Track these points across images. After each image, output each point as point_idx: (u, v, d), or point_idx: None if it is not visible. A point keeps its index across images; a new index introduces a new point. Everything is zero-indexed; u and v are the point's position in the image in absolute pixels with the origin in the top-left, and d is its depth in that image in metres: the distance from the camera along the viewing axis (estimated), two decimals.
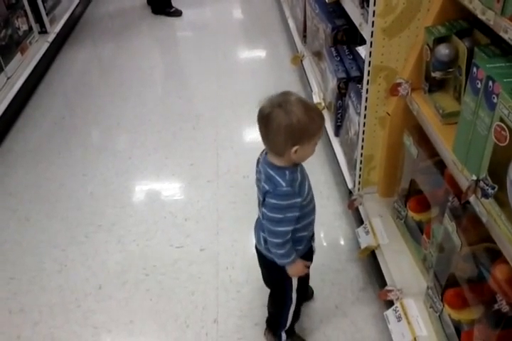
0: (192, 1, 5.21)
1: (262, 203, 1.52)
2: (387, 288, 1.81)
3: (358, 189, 2.22)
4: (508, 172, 1.11)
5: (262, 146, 1.54)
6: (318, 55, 3.10)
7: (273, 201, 1.46)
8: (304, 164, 1.56)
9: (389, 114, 1.92)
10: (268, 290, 1.85)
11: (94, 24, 4.90)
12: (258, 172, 1.55)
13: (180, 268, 2.26)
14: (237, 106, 3.40)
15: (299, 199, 1.47)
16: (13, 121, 3.35)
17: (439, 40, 1.56)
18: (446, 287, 1.54)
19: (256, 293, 2.09)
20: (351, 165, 2.32)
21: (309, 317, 2.00)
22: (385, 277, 1.88)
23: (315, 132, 1.43)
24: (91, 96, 3.69)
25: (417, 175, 1.84)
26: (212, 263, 2.27)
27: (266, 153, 1.51)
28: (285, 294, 1.73)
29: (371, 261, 2.06)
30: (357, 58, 2.57)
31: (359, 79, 2.31)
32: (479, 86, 1.21)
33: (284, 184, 1.44)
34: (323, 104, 2.83)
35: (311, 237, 1.71)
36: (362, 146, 2.09)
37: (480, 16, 1.26)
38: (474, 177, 1.26)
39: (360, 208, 2.18)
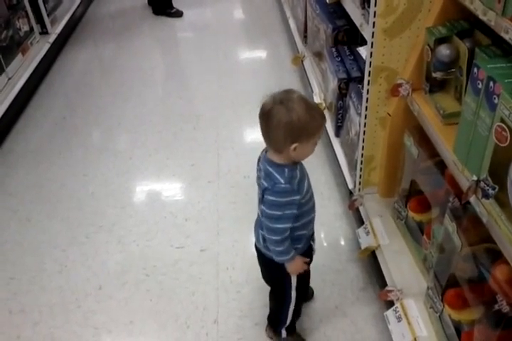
0: (193, 1, 5.21)
1: (261, 200, 1.53)
2: (388, 288, 1.81)
3: (359, 189, 2.22)
4: (509, 173, 1.11)
5: (262, 146, 1.54)
6: (318, 55, 3.10)
7: (272, 198, 1.46)
8: (305, 164, 1.56)
9: (390, 115, 1.92)
10: (269, 289, 1.85)
11: (95, 25, 4.91)
12: (258, 170, 1.56)
13: (180, 269, 2.26)
14: (238, 106, 3.40)
15: (297, 197, 1.48)
16: (14, 122, 3.35)
17: (440, 41, 1.56)
18: (446, 287, 1.54)
19: (256, 293, 2.09)
20: (352, 165, 2.32)
21: (309, 317, 2.00)
22: (385, 277, 1.88)
23: (315, 131, 1.44)
24: (92, 97, 3.70)
25: (417, 175, 1.84)
26: (212, 264, 2.27)
27: (266, 151, 1.52)
28: (284, 292, 1.74)
29: (371, 262, 2.06)
30: (358, 59, 2.57)
31: (360, 80, 2.31)
32: (480, 86, 1.21)
33: (282, 181, 1.45)
34: (324, 105, 2.83)
35: (311, 236, 1.71)
36: (362, 147, 2.09)
37: (481, 17, 1.26)
38: (475, 178, 1.26)
39: (361, 208, 2.18)
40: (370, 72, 1.86)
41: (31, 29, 3.81)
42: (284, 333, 1.88)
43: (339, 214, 2.49)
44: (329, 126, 2.70)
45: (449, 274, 1.51)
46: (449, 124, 1.56)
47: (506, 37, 1.16)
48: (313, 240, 1.74)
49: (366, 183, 2.20)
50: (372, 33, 1.75)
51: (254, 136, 3.04)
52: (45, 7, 4.00)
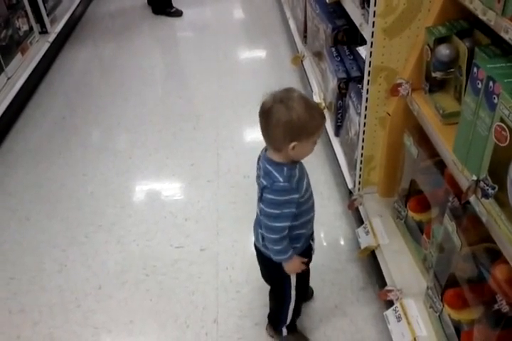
0: (192, 1, 5.21)
1: (260, 199, 1.53)
2: (387, 288, 1.81)
3: (358, 189, 2.22)
4: (509, 173, 1.11)
5: (262, 146, 1.55)
6: (318, 55, 3.10)
7: (270, 196, 1.47)
8: (305, 163, 1.57)
9: (389, 114, 1.92)
10: (269, 288, 1.85)
11: (95, 24, 4.91)
12: (258, 168, 1.57)
13: (180, 269, 2.26)
14: (238, 106, 3.40)
15: (296, 196, 1.48)
16: (14, 121, 3.35)
17: (440, 41, 1.56)
18: (446, 287, 1.54)
19: (256, 293, 2.09)
20: (351, 165, 2.32)
21: (309, 317, 2.00)
22: (385, 277, 1.88)
23: (314, 130, 1.44)
24: (91, 96, 3.69)
25: (417, 175, 1.84)
26: (212, 264, 2.27)
27: (266, 150, 1.52)
28: (284, 291, 1.74)
29: (371, 261, 2.06)
30: (357, 58, 2.57)
31: (359, 80, 2.31)
32: (480, 86, 1.21)
33: (281, 179, 1.45)
34: (323, 104, 2.83)
35: (311, 236, 1.72)
36: (362, 146, 2.09)
37: (481, 16, 1.26)
38: (474, 178, 1.26)
39: (360, 208, 2.18)
40: (369, 71, 1.86)
41: (31, 28, 3.81)
42: (284, 331, 1.88)
43: (339, 214, 2.49)
44: (329, 126, 2.70)
45: (448, 274, 1.51)
46: (448, 124, 1.56)
47: (506, 37, 1.16)
48: (312, 239, 1.74)
49: (366, 183, 2.20)
50: (372, 32, 1.75)
51: (254, 136, 3.04)
52: (45, 6, 4.00)
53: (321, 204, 2.45)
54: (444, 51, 1.55)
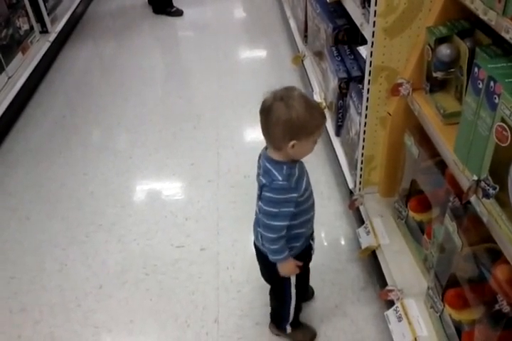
0: (193, 0, 5.21)
1: (259, 197, 1.53)
2: (388, 288, 1.81)
3: (359, 189, 2.22)
4: (510, 173, 1.11)
5: (262, 146, 1.55)
6: (319, 54, 3.10)
7: (269, 194, 1.47)
8: (305, 163, 1.57)
9: (390, 114, 1.92)
10: (269, 288, 1.85)
11: (95, 23, 4.91)
12: (258, 167, 1.57)
13: (180, 268, 2.26)
14: (238, 106, 3.40)
15: (295, 195, 1.48)
16: (14, 121, 3.35)
17: (441, 40, 1.56)
18: (446, 287, 1.53)
19: (256, 292, 2.08)
20: (352, 165, 2.32)
21: (310, 316, 2.00)
22: (385, 277, 1.88)
23: (313, 129, 1.44)
24: (92, 96, 3.69)
25: (417, 175, 1.84)
26: (212, 263, 2.27)
27: (266, 148, 1.53)
28: (284, 290, 1.75)
29: (372, 261, 2.06)
30: (358, 58, 2.56)
31: (360, 79, 2.31)
32: (481, 86, 1.21)
33: (280, 178, 1.46)
34: (324, 104, 2.83)
35: (311, 235, 1.72)
36: (363, 146, 2.09)
37: (482, 16, 1.26)
38: (475, 178, 1.26)
39: (361, 208, 2.18)
40: (370, 71, 1.85)
41: (31, 28, 3.81)
42: (289, 329, 1.89)
43: (339, 214, 2.49)
44: (329, 126, 2.70)
45: (449, 274, 1.51)
46: (449, 124, 1.56)
47: (507, 36, 1.16)
48: (312, 239, 1.74)
49: (366, 183, 2.20)
50: (373, 32, 1.75)
51: (254, 136, 3.04)
52: (45, 6, 4.00)
53: (322, 204, 2.45)
54: (444, 51, 1.54)
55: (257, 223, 1.62)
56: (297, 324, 1.89)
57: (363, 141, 2.07)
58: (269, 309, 1.94)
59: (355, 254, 2.19)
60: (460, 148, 1.38)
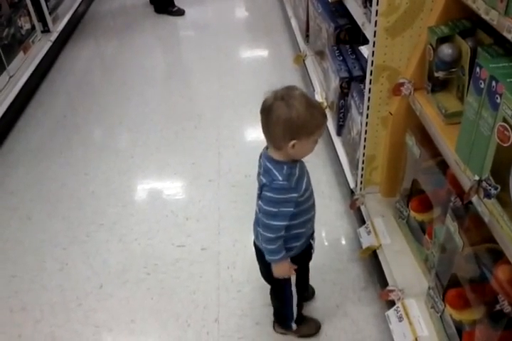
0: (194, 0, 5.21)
1: (259, 196, 1.53)
2: (389, 288, 1.80)
3: (360, 189, 2.22)
4: (511, 173, 1.11)
5: (263, 145, 1.54)
6: (320, 54, 3.10)
7: (269, 194, 1.47)
8: (306, 163, 1.56)
9: (391, 114, 1.92)
10: (269, 287, 1.85)
11: (96, 23, 4.91)
12: (259, 166, 1.57)
13: (181, 268, 2.26)
14: (239, 105, 3.39)
15: (295, 195, 1.48)
16: (15, 120, 3.36)
17: (442, 40, 1.55)
18: (447, 287, 1.53)
19: (257, 292, 2.08)
20: (353, 164, 2.32)
21: (310, 316, 1.99)
22: (386, 277, 1.87)
23: (314, 129, 1.44)
24: (93, 95, 3.70)
25: (419, 175, 1.84)
26: (213, 263, 2.27)
27: (267, 148, 1.52)
28: (284, 290, 1.75)
29: (373, 261, 2.05)
30: (359, 58, 2.56)
31: (361, 79, 2.30)
32: (482, 86, 1.21)
33: (280, 178, 1.45)
34: (325, 104, 2.83)
35: (311, 235, 1.71)
36: (364, 146, 2.08)
37: (483, 16, 1.25)
38: (477, 178, 1.25)
39: (362, 208, 2.18)
40: (371, 71, 1.85)
41: (33, 27, 3.81)
42: (294, 326, 1.89)
43: (340, 214, 2.49)
44: (331, 125, 2.70)
45: (450, 274, 1.51)
46: (451, 124, 1.56)
47: (509, 36, 1.16)
48: (313, 239, 1.74)
49: (368, 182, 2.20)
50: (374, 32, 1.75)
51: (255, 135, 3.04)
52: (47, 5, 4.01)
53: (323, 203, 2.45)
54: (446, 51, 1.54)
55: (257, 222, 1.62)
56: (301, 319, 1.89)
57: (364, 140, 2.07)
58: (269, 309, 1.94)
59: (356, 254, 2.19)
60: (461, 148, 1.37)
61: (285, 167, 1.47)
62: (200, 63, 4.09)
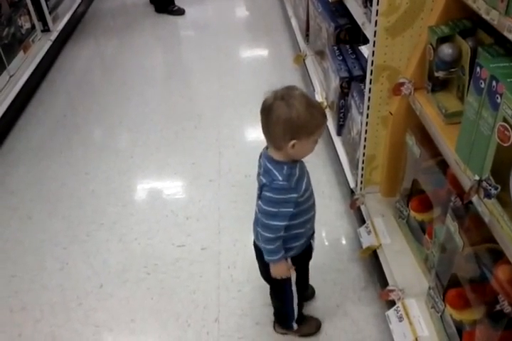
0: None
1: (259, 196, 1.53)
2: (389, 288, 1.80)
3: (360, 188, 2.22)
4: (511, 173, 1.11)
5: (263, 145, 1.54)
6: (320, 54, 3.10)
7: (269, 194, 1.47)
8: (306, 163, 1.56)
9: (391, 114, 1.92)
10: (269, 288, 1.85)
11: (97, 22, 4.91)
12: (259, 166, 1.57)
13: (181, 267, 2.26)
14: (239, 105, 3.39)
15: (294, 195, 1.48)
16: (16, 120, 3.36)
17: (443, 40, 1.55)
18: (447, 287, 1.53)
19: (257, 292, 2.08)
20: (353, 164, 2.32)
21: (311, 315, 1.99)
22: (386, 277, 1.87)
23: (314, 129, 1.43)
24: (93, 95, 3.70)
25: (419, 174, 1.84)
26: (213, 263, 2.27)
27: (267, 148, 1.52)
28: (284, 290, 1.74)
29: (373, 261, 2.05)
30: (360, 57, 2.56)
31: (362, 79, 2.30)
32: (483, 86, 1.21)
33: (280, 178, 1.45)
34: (325, 104, 2.83)
35: (312, 235, 1.71)
36: (364, 146, 2.08)
37: (484, 16, 1.25)
38: (477, 178, 1.25)
39: (362, 208, 2.18)
40: (372, 70, 1.85)
41: (33, 26, 3.81)
42: (295, 326, 1.89)
43: (340, 213, 2.49)
44: (331, 125, 2.70)
45: (450, 274, 1.50)
46: (451, 124, 1.56)
47: (509, 36, 1.15)
48: (313, 239, 1.74)
49: (368, 182, 2.20)
50: (375, 31, 1.75)
51: (255, 135, 3.04)
52: (47, 4, 4.01)
53: (323, 203, 2.45)
54: (446, 50, 1.54)
55: (256, 222, 1.62)
56: (302, 319, 1.89)
57: (365, 140, 2.06)
58: (270, 309, 1.94)
59: (356, 254, 2.19)
60: (462, 147, 1.37)
61: (285, 167, 1.47)
62: (200, 63, 4.09)
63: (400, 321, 1.69)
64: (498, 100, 1.14)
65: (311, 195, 1.60)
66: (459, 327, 1.50)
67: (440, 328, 1.59)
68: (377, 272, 2.01)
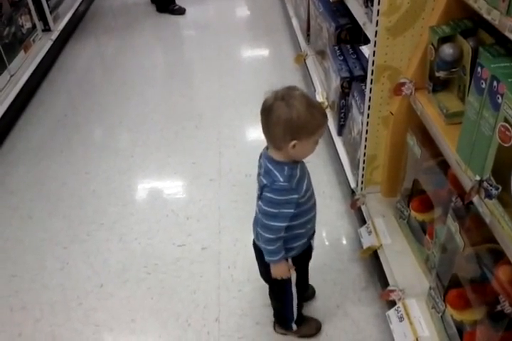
0: None
1: (260, 197, 1.53)
2: (390, 288, 1.80)
3: (361, 188, 2.22)
4: None
5: (264, 145, 1.54)
6: (321, 54, 3.09)
7: (269, 195, 1.47)
8: (307, 163, 1.56)
9: (392, 114, 1.92)
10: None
11: (97, 22, 4.90)
12: (259, 166, 1.56)
13: (181, 267, 2.26)
14: (240, 105, 3.39)
15: (295, 196, 1.47)
16: (16, 119, 3.36)
17: (444, 40, 1.55)
18: (448, 287, 1.53)
19: (257, 292, 2.08)
20: (354, 164, 2.31)
21: (311, 316, 1.99)
22: (387, 277, 1.87)
23: (314, 130, 1.43)
24: (94, 95, 3.69)
25: (420, 175, 1.84)
26: (213, 262, 2.26)
27: (267, 148, 1.52)
28: (285, 289, 1.74)
29: (373, 261, 2.05)
30: (360, 57, 2.56)
31: (362, 79, 2.30)
32: (484, 86, 1.21)
33: (281, 179, 1.45)
34: (326, 103, 2.82)
35: (312, 235, 1.71)
36: (365, 146, 2.08)
37: (485, 16, 1.25)
38: (478, 178, 1.25)
39: (363, 208, 2.18)
40: (373, 71, 1.85)
41: (34, 26, 3.81)
42: (294, 326, 1.89)
43: (341, 213, 2.49)
44: (331, 125, 2.69)
45: (451, 274, 1.50)
46: (452, 124, 1.56)
47: (510, 36, 1.15)
48: (312, 238, 1.74)
49: (368, 182, 2.19)
50: (376, 31, 1.74)
51: (255, 135, 3.03)
52: (48, 4, 4.01)
53: (323, 203, 2.44)
54: (447, 50, 1.54)
55: (256, 222, 1.61)
56: (301, 319, 1.89)
57: (365, 140, 2.06)
58: (270, 309, 1.94)
59: (357, 254, 2.19)
60: (462, 148, 1.37)
61: (286, 168, 1.46)
62: (200, 63, 4.09)
63: (401, 321, 1.69)
64: (499, 100, 1.14)
65: (312, 195, 1.59)
66: (460, 328, 1.50)
67: (441, 328, 1.59)
68: (377, 272, 2.01)
